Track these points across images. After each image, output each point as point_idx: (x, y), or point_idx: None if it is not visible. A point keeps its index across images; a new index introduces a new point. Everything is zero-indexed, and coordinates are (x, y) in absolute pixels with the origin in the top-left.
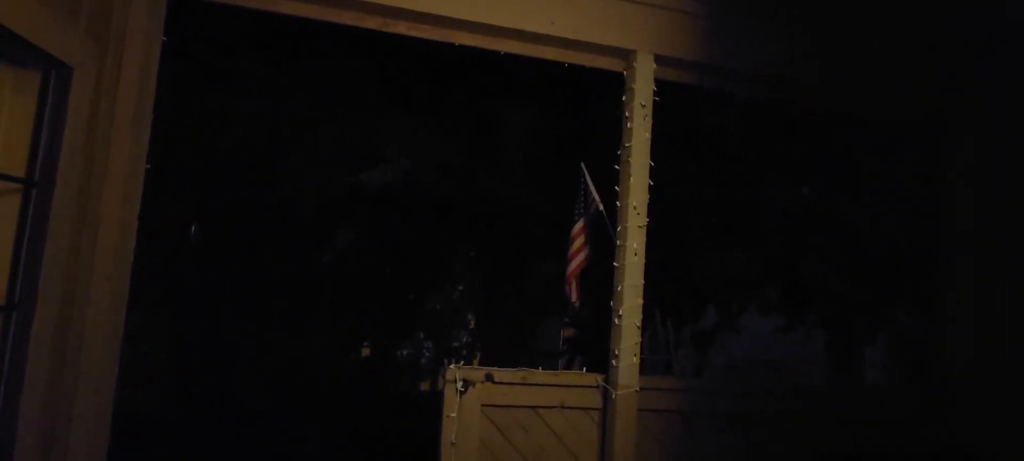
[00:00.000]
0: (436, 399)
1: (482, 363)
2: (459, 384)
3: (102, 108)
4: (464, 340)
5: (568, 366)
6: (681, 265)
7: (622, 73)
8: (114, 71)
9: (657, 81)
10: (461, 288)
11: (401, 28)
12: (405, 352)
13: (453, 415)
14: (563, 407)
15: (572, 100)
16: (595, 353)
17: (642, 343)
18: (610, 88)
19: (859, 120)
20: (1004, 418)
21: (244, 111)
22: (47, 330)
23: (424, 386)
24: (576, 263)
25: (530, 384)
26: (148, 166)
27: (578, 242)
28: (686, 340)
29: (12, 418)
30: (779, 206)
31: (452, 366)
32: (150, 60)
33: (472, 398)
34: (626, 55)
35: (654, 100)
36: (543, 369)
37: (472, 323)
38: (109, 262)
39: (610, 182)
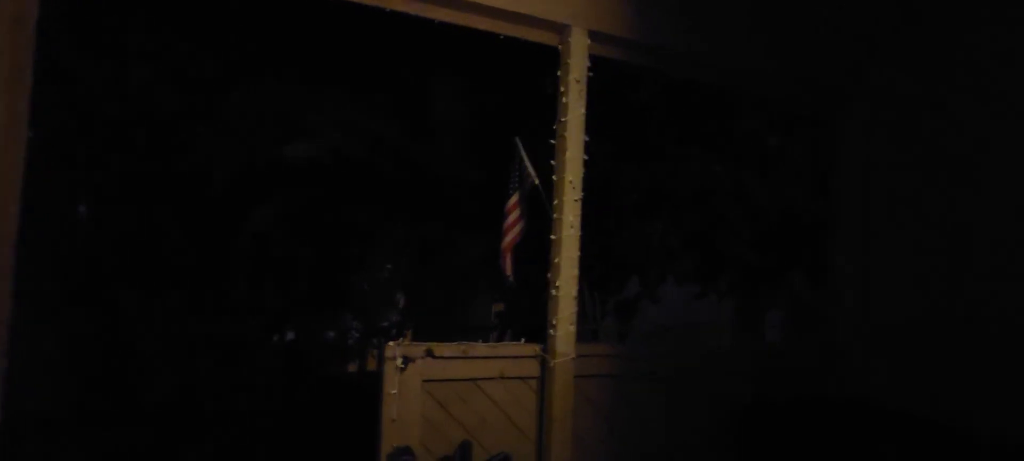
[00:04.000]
0: (365, 379)
1: (414, 341)
2: (399, 361)
3: None
4: (393, 319)
5: (499, 340)
6: (606, 239)
7: (557, 47)
8: None
9: (590, 57)
10: (389, 266)
11: None
12: (331, 334)
13: (394, 392)
14: (503, 378)
15: (508, 74)
16: (525, 326)
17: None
18: (545, 63)
19: (766, 101)
20: (887, 370)
21: (138, 74)
22: None
23: (351, 367)
24: (511, 237)
25: (470, 357)
26: (31, 134)
27: (513, 216)
28: (611, 309)
29: None
30: (695, 182)
31: (391, 343)
32: (26, 10)
33: (412, 374)
34: (561, 29)
35: (588, 76)
36: (482, 342)
37: (402, 302)
38: None
39: (543, 157)
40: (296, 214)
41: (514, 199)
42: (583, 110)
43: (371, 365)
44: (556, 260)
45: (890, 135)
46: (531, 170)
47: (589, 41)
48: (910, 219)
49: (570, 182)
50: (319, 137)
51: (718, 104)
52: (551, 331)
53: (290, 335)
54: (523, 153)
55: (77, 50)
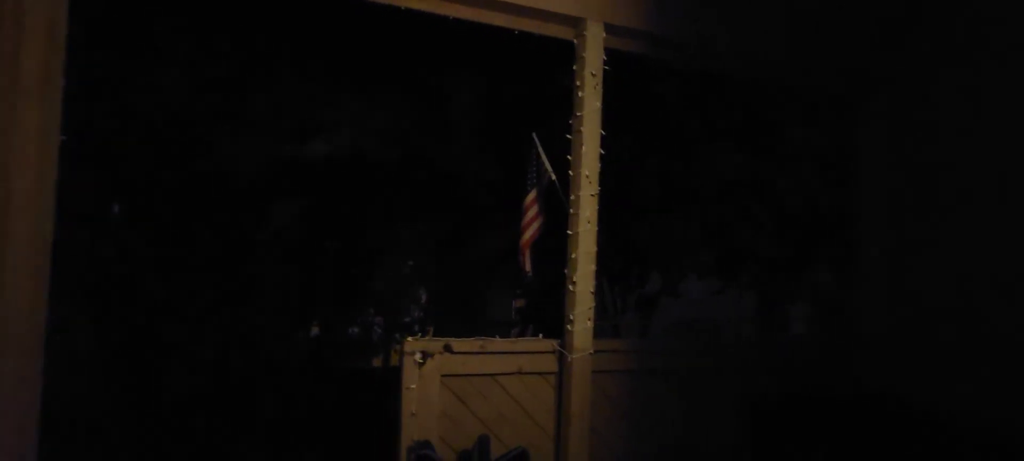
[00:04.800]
0: (389, 374)
1: (434, 337)
2: (417, 356)
3: (4, 70)
4: (416, 315)
5: (521, 336)
6: (627, 234)
7: (573, 41)
8: (14, 28)
9: (606, 50)
10: (411, 262)
11: None
12: (355, 329)
13: (413, 387)
14: (521, 373)
15: (522, 70)
16: (545, 321)
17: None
18: (561, 57)
19: (788, 92)
20: (913, 364)
21: (166, 77)
22: None
23: (376, 362)
24: (529, 233)
25: (488, 352)
26: (63, 137)
27: (531, 212)
28: (632, 305)
29: None
30: (715, 175)
31: (410, 338)
32: (57, 16)
33: (431, 369)
34: (576, 23)
35: (604, 69)
36: (501, 338)
37: (424, 298)
38: (25, 240)
39: (561, 152)
40: (317, 211)
41: (531, 195)
42: (599, 104)
43: (395, 360)
44: (573, 255)
45: (916, 123)
46: (547, 166)
47: (605, 34)
48: (937, 209)
49: (586, 176)
50: (337, 135)
51: (739, 95)
52: (568, 326)
53: (314, 331)
54: (539, 149)
55: (107, 55)
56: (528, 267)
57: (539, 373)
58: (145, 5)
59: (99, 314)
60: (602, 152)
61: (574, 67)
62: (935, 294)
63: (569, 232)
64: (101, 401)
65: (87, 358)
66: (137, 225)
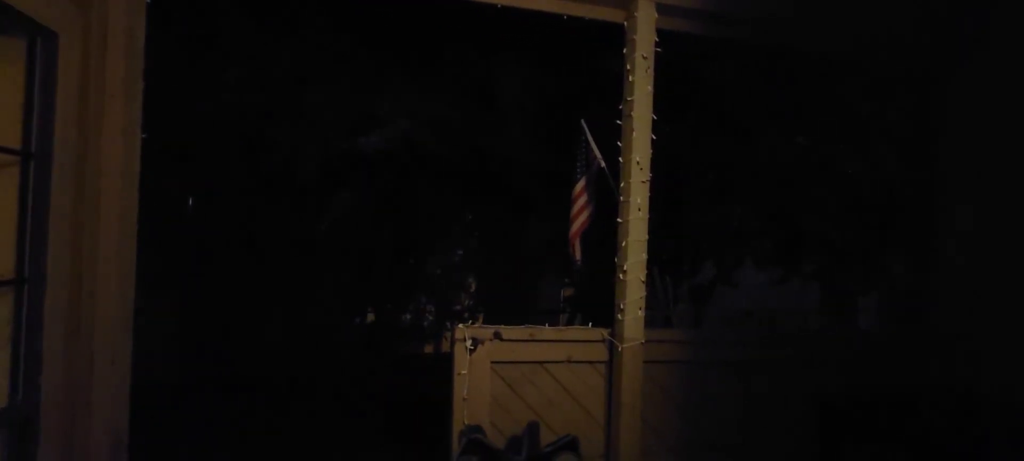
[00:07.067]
0: (440, 360)
1: (484, 324)
2: (468, 342)
3: (91, 75)
4: (466, 302)
5: (569, 323)
6: (679, 221)
7: (622, 24)
8: (100, 36)
9: (657, 31)
10: (461, 252)
11: None
12: (408, 316)
13: (464, 372)
14: (570, 361)
15: (571, 55)
16: (593, 310)
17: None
18: (610, 42)
19: (856, 67)
20: (996, 359)
21: (232, 76)
22: (59, 302)
23: (428, 349)
24: (579, 223)
25: (537, 340)
26: (144, 135)
27: (580, 202)
28: (684, 294)
29: (34, 390)
30: (775, 158)
31: (461, 325)
32: (136, 23)
33: (482, 355)
34: (627, 4)
35: (656, 51)
36: (549, 326)
37: (473, 286)
38: (114, 232)
39: (611, 138)
40: (372, 202)
41: (581, 185)
42: (650, 87)
43: (445, 346)
44: (623, 243)
45: (1011, 97)
46: (597, 152)
47: (656, 14)
48: None
49: (637, 163)
50: (390, 126)
51: (801, 72)
52: (619, 315)
53: (370, 317)
54: (588, 135)
55: (182, 58)
56: (578, 256)
57: (589, 362)
58: (210, 9)
59: (177, 299)
60: (653, 137)
61: (624, 50)
62: (1022, 283)
63: (619, 220)
64: (181, 376)
65: (167, 339)
66: (208, 217)
